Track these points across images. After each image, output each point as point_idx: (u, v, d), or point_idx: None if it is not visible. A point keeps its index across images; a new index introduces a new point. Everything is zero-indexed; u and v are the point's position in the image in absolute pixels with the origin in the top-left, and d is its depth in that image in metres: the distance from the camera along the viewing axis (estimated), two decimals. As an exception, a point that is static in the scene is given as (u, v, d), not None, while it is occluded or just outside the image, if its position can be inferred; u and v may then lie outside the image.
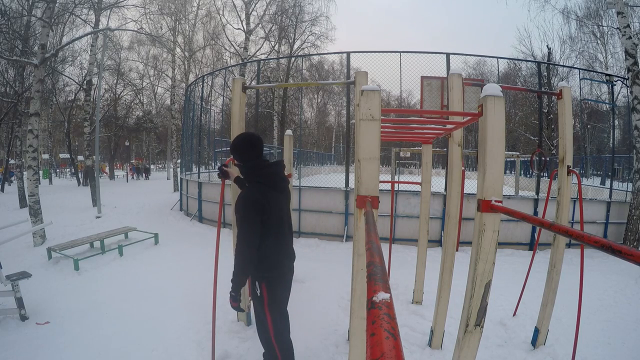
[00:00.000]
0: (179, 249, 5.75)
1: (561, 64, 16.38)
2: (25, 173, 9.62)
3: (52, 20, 7.33)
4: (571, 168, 2.66)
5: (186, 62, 16.88)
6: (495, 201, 1.45)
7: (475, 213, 1.55)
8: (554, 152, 13.50)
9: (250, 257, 1.81)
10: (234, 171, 2.23)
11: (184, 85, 15.75)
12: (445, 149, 5.01)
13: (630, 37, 6.02)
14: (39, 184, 6.74)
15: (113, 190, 15.10)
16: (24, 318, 3.18)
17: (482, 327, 1.57)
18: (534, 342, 2.84)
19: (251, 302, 2.13)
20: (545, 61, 15.51)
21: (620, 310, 3.59)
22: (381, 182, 1.66)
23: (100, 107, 10.99)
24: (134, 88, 21.26)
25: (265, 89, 17.89)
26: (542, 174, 7.75)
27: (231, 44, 17.12)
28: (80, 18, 11.46)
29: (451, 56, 6.45)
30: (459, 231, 3.59)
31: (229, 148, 1.97)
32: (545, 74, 13.59)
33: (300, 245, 5.90)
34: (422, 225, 3.55)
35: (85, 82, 13.14)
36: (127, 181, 21.84)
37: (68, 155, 22.83)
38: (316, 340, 2.86)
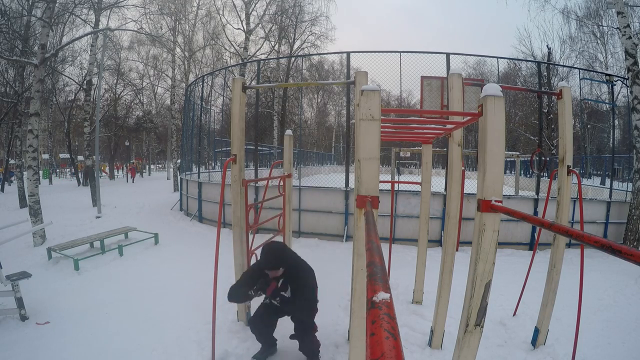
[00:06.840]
0: (179, 249, 5.75)
1: (561, 64, 16.38)
2: (25, 173, 9.64)
3: (52, 20, 7.33)
4: (571, 168, 2.66)
5: (186, 62, 16.88)
6: (495, 201, 1.45)
7: (475, 213, 1.55)
8: (554, 152, 13.49)
9: None
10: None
11: (184, 85, 15.74)
12: (445, 149, 5.01)
13: (630, 37, 6.02)
14: (39, 184, 6.74)
15: (113, 190, 15.10)
16: (24, 318, 3.18)
17: (482, 327, 1.57)
18: (534, 342, 2.84)
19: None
20: (545, 61, 15.49)
21: (620, 310, 3.59)
22: (381, 182, 1.66)
23: (100, 107, 10.99)
24: (134, 88, 21.25)
25: (265, 89, 17.89)
26: (542, 174, 7.75)
27: (231, 44, 17.11)
28: (80, 18, 11.48)
29: (451, 56, 6.46)
30: (459, 231, 3.59)
31: (274, 264, 2.35)
32: (545, 74, 13.57)
33: (300, 245, 5.90)
34: (422, 225, 3.55)
35: (85, 82, 13.15)
36: (127, 181, 21.83)
37: (68, 155, 22.82)
38: (316, 340, 2.85)
